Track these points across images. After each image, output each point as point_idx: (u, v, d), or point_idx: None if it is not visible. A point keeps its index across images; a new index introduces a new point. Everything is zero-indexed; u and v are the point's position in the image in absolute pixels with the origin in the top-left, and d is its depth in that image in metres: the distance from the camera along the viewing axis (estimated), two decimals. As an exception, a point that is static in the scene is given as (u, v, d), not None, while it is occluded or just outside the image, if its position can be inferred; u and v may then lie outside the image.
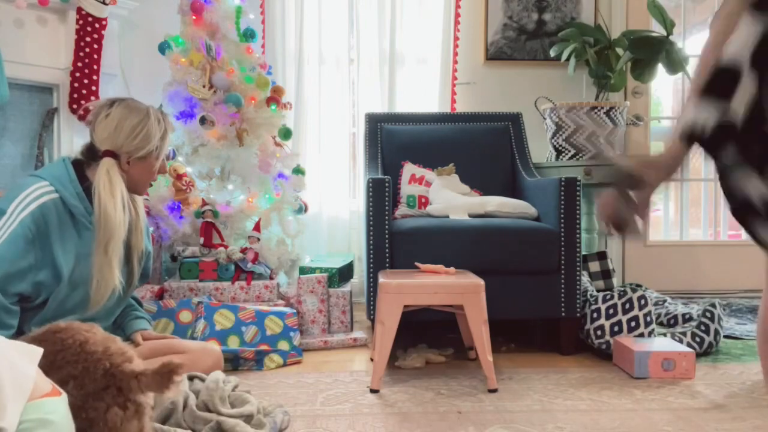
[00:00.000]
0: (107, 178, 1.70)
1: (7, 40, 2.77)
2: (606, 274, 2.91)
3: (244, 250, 2.58)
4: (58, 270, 1.63)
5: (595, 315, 2.38)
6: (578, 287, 2.40)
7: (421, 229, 2.41)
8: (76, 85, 2.94)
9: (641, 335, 2.36)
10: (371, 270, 2.41)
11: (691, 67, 3.17)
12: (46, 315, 1.64)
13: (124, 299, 1.85)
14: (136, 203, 1.85)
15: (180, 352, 1.87)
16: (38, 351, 1.04)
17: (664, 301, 2.93)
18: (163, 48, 2.89)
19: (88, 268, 1.68)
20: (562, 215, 2.41)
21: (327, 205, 3.48)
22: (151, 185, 1.93)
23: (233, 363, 2.22)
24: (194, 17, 2.85)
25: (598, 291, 2.72)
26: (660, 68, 3.15)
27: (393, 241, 2.40)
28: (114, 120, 1.74)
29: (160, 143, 1.81)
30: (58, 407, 1.02)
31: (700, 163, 3.66)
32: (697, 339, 2.41)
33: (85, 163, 1.76)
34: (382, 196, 2.40)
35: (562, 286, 2.40)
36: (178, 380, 1.13)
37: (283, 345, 2.31)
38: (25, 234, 1.56)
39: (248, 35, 2.97)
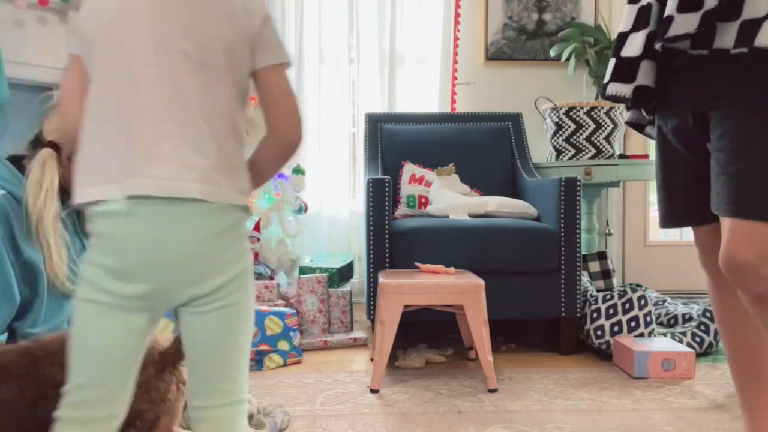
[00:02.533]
0: (40, 167, 1.71)
1: (7, 40, 2.76)
2: (606, 274, 2.91)
3: (244, 250, 2.57)
4: (31, 264, 1.65)
5: (595, 315, 2.38)
6: (578, 287, 2.40)
7: (421, 229, 2.41)
8: (76, 85, 2.94)
9: (641, 335, 2.36)
10: (371, 270, 2.41)
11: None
12: (40, 306, 1.66)
13: None
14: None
15: None
16: None
17: (664, 301, 2.92)
18: (163, 48, 2.89)
19: None
20: (562, 215, 2.41)
21: (327, 205, 3.48)
22: None
23: (233, 363, 2.22)
24: (194, 17, 2.85)
25: (598, 291, 2.72)
26: (660, 68, 3.14)
27: (393, 241, 2.39)
28: None
29: None
30: None
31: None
32: (697, 339, 2.41)
33: (28, 155, 1.78)
34: (382, 196, 2.40)
35: (562, 286, 2.40)
36: None
37: (283, 345, 2.31)
38: None
39: (248, 35, 2.97)
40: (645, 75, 1.24)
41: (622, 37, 1.26)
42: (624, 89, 1.25)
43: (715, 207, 1.14)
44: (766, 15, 1.04)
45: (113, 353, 0.92)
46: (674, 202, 1.30)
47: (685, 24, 1.11)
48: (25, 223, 1.69)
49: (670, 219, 1.32)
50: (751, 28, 1.05)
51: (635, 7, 1.25)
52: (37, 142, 1.79)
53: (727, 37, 1.09)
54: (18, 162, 1.76)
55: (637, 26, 1.23)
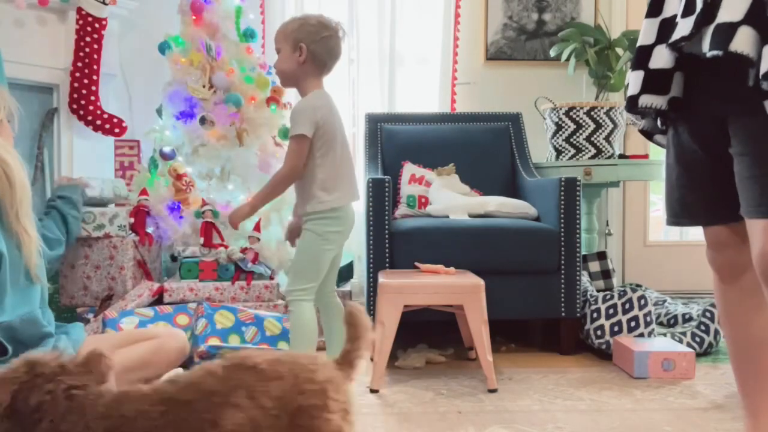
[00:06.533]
0: (13, 158, 1.70)
1: (7, 40, 2.76)
2: (606, 274, 2.91)
3: (244, 250, 2.58)
4: None
5: (595, 315, 2.38)
6: (578, 287, 2.40)
7: (421, 229, 2.41)
8: (76, 85, 2.94)
9: (641, 335, 2.36)
10: (371, 270, 2.41)
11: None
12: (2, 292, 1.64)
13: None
14: None
15: (150, 337, 1.94)
16: None
17: (664, 301, 2.93)
18: (163, 48, 2.89)
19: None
20: (562, 215, 2.41)
21: (327, 205, 3.48)
22: None
23: (233, 363, 2.22)
24: (194, 17, 2.85)
25: (598, 291, 2.72)
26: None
27: (393, 241, 2.40)
28: None
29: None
30: None
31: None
32: (697, 339, 2.41)
33: None
34: (382, 196, 2.40)
35: (562, 286, 2.40)
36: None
37: (283, 345, 2.31)
38: None
39: (248, 35, 2.97)
40: (677, 86, 1.24)
41: (646, 50, 1.25)
42: (659, 101, 1.24)
43: (745, 211, 1.14)
44: (742, 20, 1.04)
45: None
46: (687, 202, 1.29)
47: (683, 28, 1.12)
48: None
49: (681, 218, 1.32)
50: (724, 32, 1.05)
51: (656, 21, 1.24)
52: None
53: (705, 40, 1.09)
54: None
55: (662, 39, 1.22)
